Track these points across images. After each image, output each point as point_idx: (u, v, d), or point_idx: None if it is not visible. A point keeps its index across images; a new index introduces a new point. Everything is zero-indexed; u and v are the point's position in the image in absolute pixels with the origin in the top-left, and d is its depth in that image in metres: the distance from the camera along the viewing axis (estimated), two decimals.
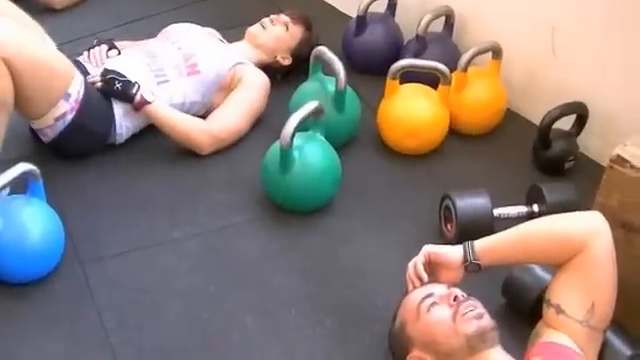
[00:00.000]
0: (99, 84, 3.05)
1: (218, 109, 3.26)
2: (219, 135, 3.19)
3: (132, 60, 3.26)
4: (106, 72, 3.08)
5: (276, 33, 3.57)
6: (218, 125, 3.20)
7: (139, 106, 3.08)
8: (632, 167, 2.19)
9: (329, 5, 4.30)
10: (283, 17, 3.61)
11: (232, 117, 3.24)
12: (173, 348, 2.43)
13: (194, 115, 3.26)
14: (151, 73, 3.22)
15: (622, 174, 2.21)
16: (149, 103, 3.08)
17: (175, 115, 3.16)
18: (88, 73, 3.12)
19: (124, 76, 3.08)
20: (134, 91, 3.06)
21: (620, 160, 2.21)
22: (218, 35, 3.59)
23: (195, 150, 3.17)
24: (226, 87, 3.33)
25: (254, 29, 3.58)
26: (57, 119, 2.97)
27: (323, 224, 2.92)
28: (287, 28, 3.58)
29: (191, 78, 3.27)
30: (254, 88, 3.33)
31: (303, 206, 2.93)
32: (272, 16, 3.61)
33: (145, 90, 3.09)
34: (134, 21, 3.92)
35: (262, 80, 3.39)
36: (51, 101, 2.94)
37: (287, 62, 3.59)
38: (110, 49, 3.29)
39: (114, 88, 3.06)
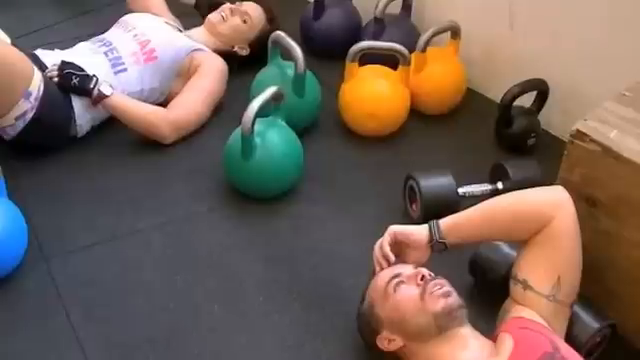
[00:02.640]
0: (56, 79, 3.02)
1: (178, 96, 3.25)
2: (180, 122, 3.18)
3: (88, 50, 3.24)
4: (63, 66, 3.04)
5: (235, 24, 3.56)
6: (179, 112, 3.18)
7: (97, 100, 3.05)
8: (592, 141, 2.20)
9: None
10: (244, 7, 3.59)
11: (192, 104, 3.23)
12: (141, 340, 2.42)
13: (154, 102, 3.26)
14: (108, 62, 3.20)
15: (583, 148, 2.22)
16: (107, 97, 3.06)
17: (135, 106, 3.13)
18: (46, 67, 3.09)
19: (81, 69, 3.05)
20: (92, 85, 3.03)
21: (580, 135, 2.22)
22: (175, 24, 3.57)
23: (158, 139, 3.15)
24: (184, 73, 3.33)
25: (214, 18, 3.56)
26: (18, 118, 2.94)
27: (287, 209, 2.92)
28: (246, 20, 3.56)
29: (148, 65, 3.25)
30: (212, 74, 3.33)
31: (267, 192, 2.92)
32: (232, 6, 3.59)
33: (102, 83, 3.06)
34: (89, 12, 3.87)
35: (220, 65, 3.38)
36: (12, 101, 2.91)
37: (244, 53, 3.58)
38: None
39: (71, 83, 3.02)
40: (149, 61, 3.26)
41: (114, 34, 3.36)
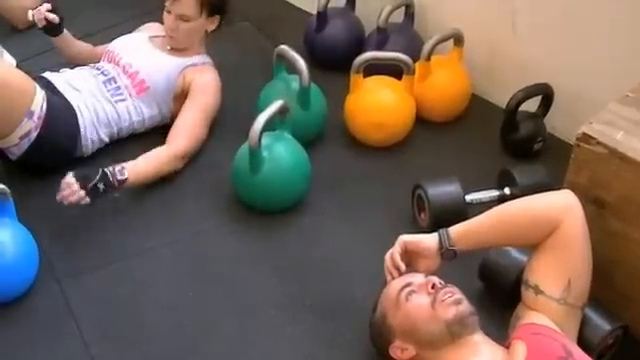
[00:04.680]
0: (87, 198, 2.78)
1: (176, 123, 3.20)
2: (186, 152, 3.14)
3: (90, 76, 3.23)
4: (80, 182, 2.80)
5: (185, 29, 3.32)
6: (182, 144, 3.14)
7: (120, 187, 2.91)
8: (599, 143, 2.20)
9: (289, 3, 4.29)
10: (176, 8, 3.28)
11: (192, 129, 3.19)
12: (156, 357, 2.43)
13: (158, 125, 3.29)
14: (107, 93, 3.21)
15: (589, 151, 2.22)
16: (126, 179, 2.91)
17: (148, 166, 3.03)
18: (54, 86, 3.10)
19: (94, 172, 2.85)
20: (111, 179, 2.86)
21: (586, 137, 2.22)
22: (161, 32, 3.44)
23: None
24: (181, 93, 3.28)
25: (170, 43, 3.37)
26: (22, 137, 2.95)
27: (296, 222, 2.93)
28: (185, 18, 3.28)
29: (142, 97, 3.25)
30: (206, 91, 3.28)
31: (275, 205, 2.93)
32: (171, 17, 3.31)
33: (114, 170, 2.90)
34: (94, 34, 3.88)
35: (212, 80, 3.33)
36: (14, 121, 2.92)
37: (213, 26, 3.39)
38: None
39: (100, 192, 2.82)
40: (141, 92, 3.25)
41: (107, 66, 3.32)
